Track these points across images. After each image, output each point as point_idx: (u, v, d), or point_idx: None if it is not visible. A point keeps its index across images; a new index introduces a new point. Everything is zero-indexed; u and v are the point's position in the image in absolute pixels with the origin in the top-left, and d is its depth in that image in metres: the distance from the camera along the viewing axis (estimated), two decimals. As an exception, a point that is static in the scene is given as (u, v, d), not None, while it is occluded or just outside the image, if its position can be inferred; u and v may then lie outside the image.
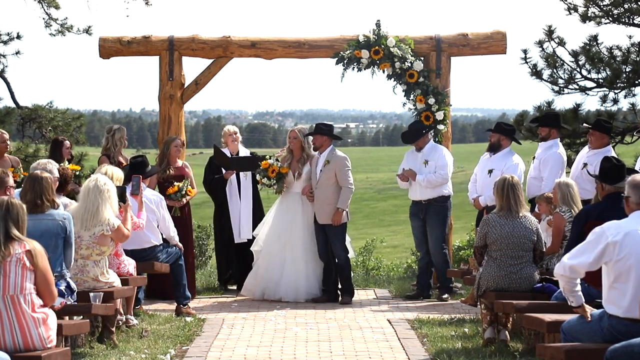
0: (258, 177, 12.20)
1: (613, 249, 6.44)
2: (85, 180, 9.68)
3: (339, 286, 12.05)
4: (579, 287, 6.65)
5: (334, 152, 11.92)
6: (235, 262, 12.68)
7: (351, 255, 12.34)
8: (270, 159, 12.23)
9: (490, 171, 11.81)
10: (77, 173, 11.96)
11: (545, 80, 14.87)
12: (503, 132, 11.96)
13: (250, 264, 12.29)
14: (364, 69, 12.93)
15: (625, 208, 6.72)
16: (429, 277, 12.41)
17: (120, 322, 9.60)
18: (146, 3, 19.24)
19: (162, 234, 10.95)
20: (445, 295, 12.08)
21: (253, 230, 12.42)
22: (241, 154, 12.69)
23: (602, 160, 8.33)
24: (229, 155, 12.58)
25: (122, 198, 9.58)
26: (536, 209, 10.61)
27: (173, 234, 11.04)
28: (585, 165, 11.03)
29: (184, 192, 12.02)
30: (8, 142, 12.10)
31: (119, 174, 10.14)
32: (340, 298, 11.93)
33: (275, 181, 12.06)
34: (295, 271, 11.94)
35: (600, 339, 6.57)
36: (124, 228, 9.18)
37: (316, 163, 11.97)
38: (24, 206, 6.70)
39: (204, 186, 12.71)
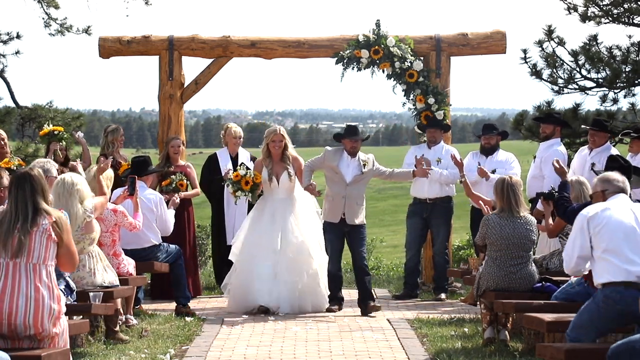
0: (230, 189, 11.14)
1: (593, 222, 6.76)
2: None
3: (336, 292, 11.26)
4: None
5: (363, 154, 11.28)
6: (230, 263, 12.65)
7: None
8: (241, 167, 11.25)
9: (493, 171, 11.91)
10: (56, 133, 11.87)
11: (545, 80, 14.86)
12: (501, 133, 12.30)
13: None
14: (364, 69, 12.94)
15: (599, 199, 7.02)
16: (417, 277, 12.46)
17: (120, 322, 9.60)
18: (146, 3, 19.22)
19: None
20: (442, 295, 12.09)
21: None
22: (240, 157, 12.64)
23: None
24: (228, 156, 12.57)
25: (132, 188, 10.11)
26: (538, 206, 10.63)
27: (169, 226, 11.07)
28: (593, 164, 11.04)
29: (174, 185, 12.01)
30: (5, 140, 12.06)
31: (108, 172, 10.03)
32: (368, 306, 10.97)
33: (249, 192, 11.09)
34: (286, 283, 10.99)
35: (603, 317, 6.67)
36: (101, 201, 9.12)
37: (337, 163, 11.15)
38: (42, 173, 6.71)
39: (200, 187, 12.64)
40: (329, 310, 11.06)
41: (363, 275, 11.14)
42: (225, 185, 11.28)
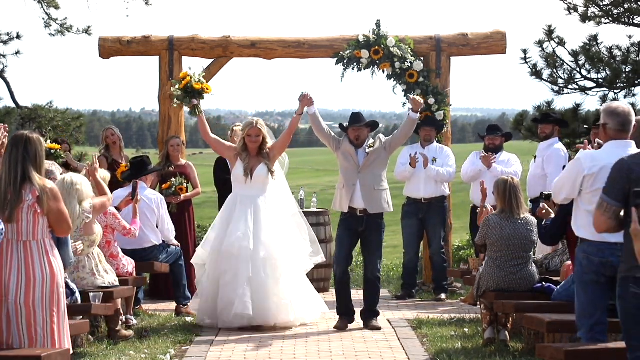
0: (173, 89, 10.39)
1: (588, 181, 6.72)
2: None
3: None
4: None
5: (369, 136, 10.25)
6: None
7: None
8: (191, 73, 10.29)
9: None
10: (52, 152, 11.83)
11: (545, 80, 14.88)
12: (505, 135, 12.35)
13: None
14: (364, 69, 12.95)
15: (602, 136, 6.84)
16: (416, 277, 12.49)
17: (120, 322, 9.60)
18: (146, 3, 19.24)
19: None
20: (442, 295, 12.10)
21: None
22: None
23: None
24: None
25: (134, 193, 10.17)
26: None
27: (171, 236, 11.02)
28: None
29: (173, 189, 12.00)
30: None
31: (103, 173, 9.99)
32: (370, 322, 10.06)
33: (181, 93, 10.16)
34: (250, 286, 9.87)
35: (588, 277, 6.66)
36: (102, 201, 9.09)
37: (355, 148, 10.07)
38: (42, 140, 6.66)
39: (215, 184, 12.41)
40: (337, 327, 9.98)
41: (372, 290, 10.05)
42: (175, 100, 10.38)
